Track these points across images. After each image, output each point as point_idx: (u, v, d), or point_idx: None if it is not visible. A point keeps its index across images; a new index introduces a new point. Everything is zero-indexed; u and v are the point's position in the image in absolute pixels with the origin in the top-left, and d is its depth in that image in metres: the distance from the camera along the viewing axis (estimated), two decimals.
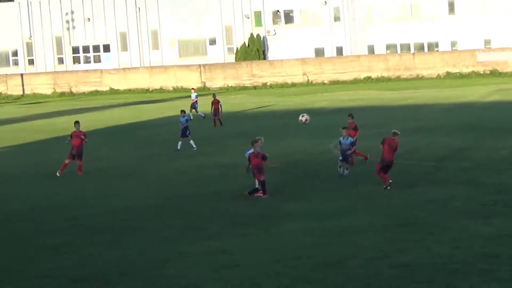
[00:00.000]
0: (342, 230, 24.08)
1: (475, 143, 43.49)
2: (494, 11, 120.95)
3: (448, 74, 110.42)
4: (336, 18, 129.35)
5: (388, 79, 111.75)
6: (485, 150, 40.83)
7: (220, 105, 61.76)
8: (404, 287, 18.03)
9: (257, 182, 30.47)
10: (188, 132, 47.15)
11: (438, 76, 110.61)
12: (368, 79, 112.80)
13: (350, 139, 34.11)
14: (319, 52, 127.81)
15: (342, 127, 34.80)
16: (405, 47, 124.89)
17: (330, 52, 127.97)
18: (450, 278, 18.45)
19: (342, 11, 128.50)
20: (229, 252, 22.09)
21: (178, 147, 46.47)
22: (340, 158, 34.00)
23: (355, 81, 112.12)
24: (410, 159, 37.08)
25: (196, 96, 72.09)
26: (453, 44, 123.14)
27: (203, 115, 67.72)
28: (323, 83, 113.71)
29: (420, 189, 30.40)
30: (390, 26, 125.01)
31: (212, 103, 61.68)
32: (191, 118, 63.20)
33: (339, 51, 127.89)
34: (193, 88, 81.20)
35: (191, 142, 46.88)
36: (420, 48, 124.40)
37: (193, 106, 70.52)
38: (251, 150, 30.54)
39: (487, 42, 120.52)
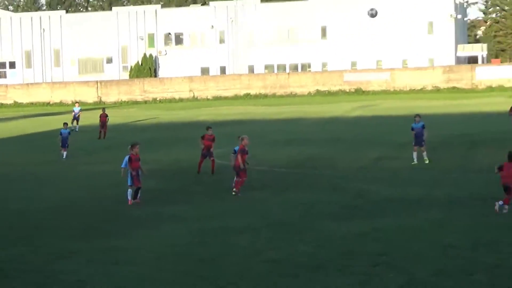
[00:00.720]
0: (220, 231, 24.22)
1: (339, 153, 44.03)
2: (359, 38, 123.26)
3: (318, 91, 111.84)
4: (221, 41, 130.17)
5: (265, 96, 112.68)
6: (347, 159, 41.34)
7: (108, 119, 61.31)
8: (272, 280, 18.30)
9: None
10: (67, 143, 46.73)
11: (309, 94, 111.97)
12: (247, 95, 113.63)
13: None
14: (205, 71, 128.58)
15: None
16: (281, 67, 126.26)
17: (214, 71, 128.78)
18: (312, 273, 18.79)
19: (227, 35, 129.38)
20: (121, 250, 22.08)
21: (64, 157, 46.09)
22: None
23: (236, 97, 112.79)
24: (282, 167, 37.40)
25: (80, 110, 71.33)
26: (324, 65, 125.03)
27: (77, 129, 67.31)
28: (208, 99, 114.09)
29: (291, 194, 30.70)
30: (269, 49, 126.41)
31: (100, 116, 61.19)
32: (76, 130, 63.27)
33: (223, 70, 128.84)
34: (77, 102, 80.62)
35: (64, 152, 46.49)
36: (294, 68, 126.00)
37: (76, 118, 69.75)
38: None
39: (353, 64, 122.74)
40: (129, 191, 29.53)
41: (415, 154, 37.78)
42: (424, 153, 37.82)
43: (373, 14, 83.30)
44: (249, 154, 31.70)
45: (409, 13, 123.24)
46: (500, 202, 25.14)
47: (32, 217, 28.31)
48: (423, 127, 37.72)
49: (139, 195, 29.64)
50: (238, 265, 19.94)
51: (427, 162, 37.40)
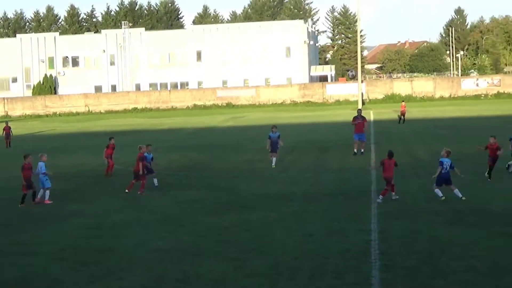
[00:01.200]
0: (114, 225, 24.03)
1: (214, 157, 44.14)
2: (229, 60, 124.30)
3: (195, 106, 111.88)
4: (112, 63, 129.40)
5: (150, 110, 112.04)
6: (221, 162, 41.49)
7: (11, 130, 59.93)
8: (160, 266, 18.24)
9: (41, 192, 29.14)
10: None
11: (188, 108, 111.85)
12: (135, 109, 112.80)
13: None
14: (98, 89, 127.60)
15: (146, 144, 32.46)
16: (164, 86, 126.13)
17: (106, 88, 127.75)
18: (194, 258, 18.81)
19: (116, 58, 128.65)
20: (29, 244, 21.68)
21: None
22: None
23: (125, 111, 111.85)
24: (168, 169, 37.25)
25: None
26: (199, 83, 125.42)
27: None
28: (101, 112, 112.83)
29: (175, 192, 30.61)
30: (153, 70, 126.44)
31: (4, 129, 59.62)
32: None
33: (113, 88, 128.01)
34: None
35: None
36: (174, 86, 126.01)
37: None
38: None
39: (224, 82, 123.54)
40: (47, 192, 28.85)
41: (274, 160, 37.96)
42: (274, 159, 37.89)
43: (353, 75, 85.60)
44: (153, 160, 31.93)
45: (270, 39, 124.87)
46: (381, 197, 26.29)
47: None
48: (278, 137, 37.90)
49: (38, 196, 28.87)
50: (130, 254, 19.82)
51: (273, 167, 37.48)
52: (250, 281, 16.73)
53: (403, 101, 74.95)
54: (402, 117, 65.09)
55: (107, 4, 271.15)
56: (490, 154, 30.57)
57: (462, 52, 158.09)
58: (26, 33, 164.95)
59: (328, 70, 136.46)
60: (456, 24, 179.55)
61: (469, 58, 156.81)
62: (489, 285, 15.68)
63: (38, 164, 28.57)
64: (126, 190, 30.54)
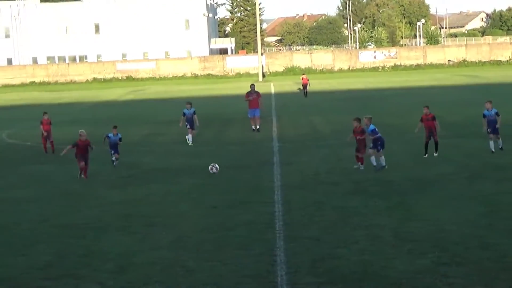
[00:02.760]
0: (15, 200, 23.53)
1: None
2: (128, 33, 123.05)
3: (95, 79, 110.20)
4: (7, 36, 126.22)
5: (49, 83, 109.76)
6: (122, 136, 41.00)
7: None
8: (63, 242, 17.98)
9: None
10: None
11: (87, 81, 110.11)
12: (32, 83, 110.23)
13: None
14: None
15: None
16: (62, 59, 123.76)
17: (2, 62, 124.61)
18: (98, 233, 18.61)
19: (12, 31, 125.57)
20: None
21: None
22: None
23: (23, 85, 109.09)
24: (67, 144, 36.57)
25: None
26: (98, 56, 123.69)
27: None
28: None
29: (75, 166, 30.07)
30: (50, 42, 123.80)
31: None
32: None
33: (9, 61, 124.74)
34: None
35: None
36: (73, 60, 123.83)
37: None
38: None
39: (124, 55, 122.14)
40: None
41: (190, 137, 36.55)
42: (190, 136, 36.62)
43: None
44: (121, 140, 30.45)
45: (169, 11, 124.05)
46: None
47: None
48: (194, 113, 36.17)
49: None
50: (33, 230, 19.45)
51: (190, 144, 36.43)
52: (155, 254, 16.63)
53: (303, 74, 74.47)
54: (305, 90, 64.98)
55: None
56: (425, 125, 28.63)
57: (359, 25, 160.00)
58: None
59: (228, 43, 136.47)
60: None
61: (366, 31, 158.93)
62: (391, 254, 15.98)
63: None
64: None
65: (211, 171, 18.67)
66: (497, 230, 17.61)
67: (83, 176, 27.02)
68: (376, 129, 25.67)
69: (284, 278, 14.62)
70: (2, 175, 29.20)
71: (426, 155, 28.62)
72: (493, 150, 28.48)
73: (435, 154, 28.55)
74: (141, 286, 14.50)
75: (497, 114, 28.69)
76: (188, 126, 35.85)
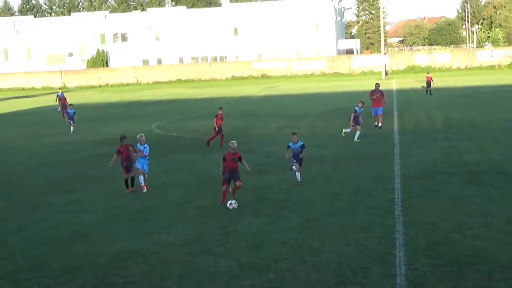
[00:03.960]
0: (160, 185, 24.16)
1: (251, 124, 44.06)
2: (263, 35, 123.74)
3: (233, 77, 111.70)
4: (157, 38, 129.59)
5: (192, 81, 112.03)
6: (257, 128, 41.47)
7: (66, 101, 58.49)
8: (202, 222, 18.37)
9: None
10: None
11: (227, 79, 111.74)
12: (179, 80, 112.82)
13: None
14: (146, 62, 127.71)
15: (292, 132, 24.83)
16: (204, 59, 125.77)
17: (153, 61, 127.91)
18: (233, 215, 18.91)
19: (161, 34, 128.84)
20: (82, 202, 21.97)
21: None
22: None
23: (170, 82, 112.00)
24: (207, 135, 37.25)
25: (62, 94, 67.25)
26: (237, 57, 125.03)
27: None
28: (148, 83, 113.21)
29: (214, 155, 30.38)
30: (194, 44, 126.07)
31: (60, 99, 57.13)
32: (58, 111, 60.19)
33: (159, 61, 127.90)
34: (60, 89, 77.85)
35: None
36: (214, 59, 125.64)
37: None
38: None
39: (259, 56, 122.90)
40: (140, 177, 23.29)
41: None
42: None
43: None
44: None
45: (300, 15, 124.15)
46: None
47: (10, 177, 27.91)
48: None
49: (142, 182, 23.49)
50: (175, 211, 19.97)
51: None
52: (284, 235, 16.80)
53: (428, 72, 72.21)
54: (428, 88, 62.21)
55: None
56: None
57: (477, 26, 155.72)
58: (80, 12, 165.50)
59: (354, 44, 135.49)
60: (471, 0, 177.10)
61: (483, 31, 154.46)
62: (503, 240, 15.60)
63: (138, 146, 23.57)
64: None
65: (230, 207, 17.99)
66: None
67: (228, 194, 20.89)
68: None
69: (402, 259, 14.50)
70: (152, 162, 30.02)
71: None
72: None
73: None
74: (271, 263, 14.68)
75: None
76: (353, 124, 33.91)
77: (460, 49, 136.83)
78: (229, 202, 19.38)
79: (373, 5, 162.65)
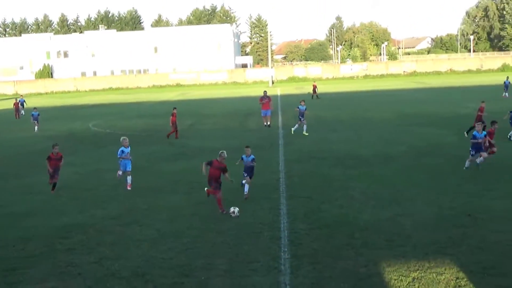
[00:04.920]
0: (96, 170, 23.60)
1: (169, 122, 43.41)
2: (178, 52, 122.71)
3: (154, 86, 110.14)
4: (93, 55, 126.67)
5: (121, 89, 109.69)
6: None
7: (22, 104, 56.08)
8: (130, 200, 18.06)
9: None
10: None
11: (149, 87, 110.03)
12: (111, 89, 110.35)
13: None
14: (84, 74, 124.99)
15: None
16: (131, 71, 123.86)
17: (90, 73, 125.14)
18: (156, 194, 18.68)
19: (96, 51, 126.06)
20: (34, 186, 21.20)
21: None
22: None
23: (104, 90, 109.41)
24: (135, 131, 36.59)
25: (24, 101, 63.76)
26: (156, 69, 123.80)
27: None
28: (86, 91, 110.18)
29: (141, 147, 29.92)
30: (123, 59, 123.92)
31: (14, 104, 54.69)
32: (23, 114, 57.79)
33: (95, 73, 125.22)
34: (21, 95, 75.03)
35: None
36: (138, 72, 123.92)
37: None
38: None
39: (175, 69, 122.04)
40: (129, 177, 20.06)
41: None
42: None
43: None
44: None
45: (207, 37, 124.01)
46: None
47: None
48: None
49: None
50: (109, 191, 19.54)
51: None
52: (195, 209, 16.76)
53: (314, 81, 72.28)
54: (315, 93, 62.05)
55: (88, 13, 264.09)
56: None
57: (340, 46, 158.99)
58: (29, 33, 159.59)
59: (248, 60, 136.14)
60: (337, 27, 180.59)
61: (345, 50, 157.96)
62: (360, 208, 16.03)
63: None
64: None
65: (233, 215, 16.61)
66: (436, 190, 17.61)
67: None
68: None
69: (285, 225, 14.69)
70: (88, 153, 29.35)
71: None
72: None
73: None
74: (185, 231, 14.62)
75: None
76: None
77: (328, 64, 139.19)
78: (231, 210, 15.81)
79: (262, 30, 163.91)
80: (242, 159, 18.52)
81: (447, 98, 52.34)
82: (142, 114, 51.55)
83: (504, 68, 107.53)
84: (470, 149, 20.52)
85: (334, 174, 20.64)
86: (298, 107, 32.74)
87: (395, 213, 15.32)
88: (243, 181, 18.12)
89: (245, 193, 17.65)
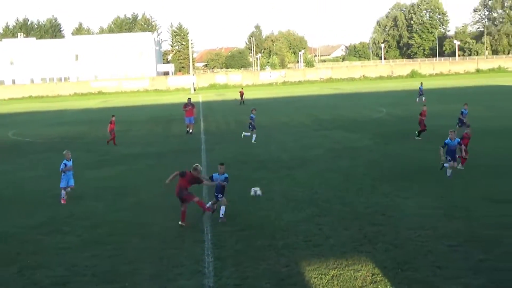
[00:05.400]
0: (21, 179, 22.71)
1: (91, 129, 42.46)
2: (100, 60, 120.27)
3: (75, 93, 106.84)
4: (12, 63, 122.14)
5: (42, 97, 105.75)
6: (96, 133, 39.91)
7: None
8: (54, 208, 17.48)
9: None
10: None
11: (70, 95, 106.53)
12: (31, 97, 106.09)
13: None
14: (2, 82, 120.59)
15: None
16: (51, 79, 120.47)
17: (9, 82, 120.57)
18: (79, 201, 18.15)
19: (15, 59, 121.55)
20: None
21: None
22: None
23: (23, 98, 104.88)
24: (57, 138, 35.53)
25: None
26: (77, 77, 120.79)
27: None
28: (4, 100, 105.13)
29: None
30: (42, 67, 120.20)
31: None
32: None
33: (14, 81, 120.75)
34: None
35: None
36: (59, 80, 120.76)
37: None
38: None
39: (96, 76, 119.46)
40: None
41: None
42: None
43: None
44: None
45: (129, 46, 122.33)
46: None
47: None
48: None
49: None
50: (33, 200, 18.84)
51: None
52: (119, 214, 16.46)
53: (242, 88, 71.61)
54: (242, 100, 61.63)
55: (6, 21, 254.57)
56: None
57: (260, 54, 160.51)
58: None
59: (170, 67, 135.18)
60: (256, 35, 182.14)
61: (264, 58, 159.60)
62: (281, 210, 16.15)
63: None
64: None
65: (255, 194, 16.18)
66: (351, 191, 18.00)
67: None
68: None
69: (208, 228, 14.65)
70: (8, 163, 28.27)
71: None
72: None
73: None
74: (109, 237, 14.30)
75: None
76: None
77: (248, 71, 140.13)
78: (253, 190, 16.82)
79: (184, 38, 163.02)
80: (212, 177, 15.66)
81: (361, 103, 53.77)
82: (63, 122, 50.15)
83: (412, 74, 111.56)
84: (446, 156, 19.16)
85: (256, 178, 20.73)
86: (251, 116, 31.16)
87: (313, 214, 15.55)
88: (210, 203, 15.82)
89: (221, 215, 15.17)
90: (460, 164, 20.04)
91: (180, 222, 14.87)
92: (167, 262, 12.30)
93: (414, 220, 14.51)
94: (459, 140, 19.49)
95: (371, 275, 11.09)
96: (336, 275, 11.18)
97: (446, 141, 19.25)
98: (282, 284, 10.90)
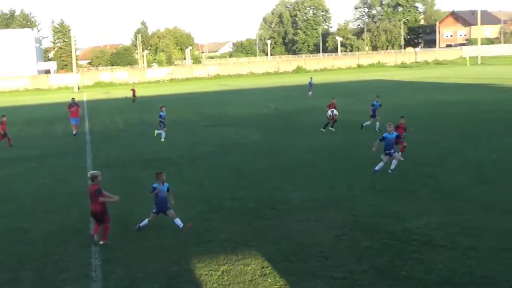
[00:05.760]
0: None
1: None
2: None
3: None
4: None
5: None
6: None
7: None
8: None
9: None
10: None
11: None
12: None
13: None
14: None
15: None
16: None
17: None
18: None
19: None
20: None
21: None
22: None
23: None
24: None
25: None
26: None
27: None
28: None
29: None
30: None
31: None
32: None
33: None
34: None
35: None
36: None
37: None
38: None
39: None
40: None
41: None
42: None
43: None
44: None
45: (5, 43, 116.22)
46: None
47: None
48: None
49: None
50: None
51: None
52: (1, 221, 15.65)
53: (133, 86, 69.57)
54: (133, 97, 60.52)
55: None
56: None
57: (146, 51, 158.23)
58: None
59: (51, 65, 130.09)
60: (142, 32, 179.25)
61: (151, 55, 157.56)
62: (174, 208, 16.06)
63: None
64: None
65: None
66: (241, 187, 18.19)
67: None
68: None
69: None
70: None
71: None
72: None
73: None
74: None
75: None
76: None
77: (134, 68, 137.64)
78: None
79: (66, 35, 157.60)
80: (154, 189, 13.97)
81: (249, 99, 54.46)
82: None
83: (298, 70, 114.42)
84: (385, 150, 18.89)
85: (142, 177, 20.44)
86: (160, 114, 30.25)
87: (203, 210, 15.57)
88: (141, 224, 14.09)
89: (181, 226, 13.74)
90: (400, 153, 19.95)
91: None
92: (51, 268, 11.85)
93: (302, 212, 14.91)
94: (397, 134, 19.34)
95: (260, 268, 11.27)
96: (227, 270, 11.26)
97: (384, 135, 18.93)
98: (173, 283, 10.84)
